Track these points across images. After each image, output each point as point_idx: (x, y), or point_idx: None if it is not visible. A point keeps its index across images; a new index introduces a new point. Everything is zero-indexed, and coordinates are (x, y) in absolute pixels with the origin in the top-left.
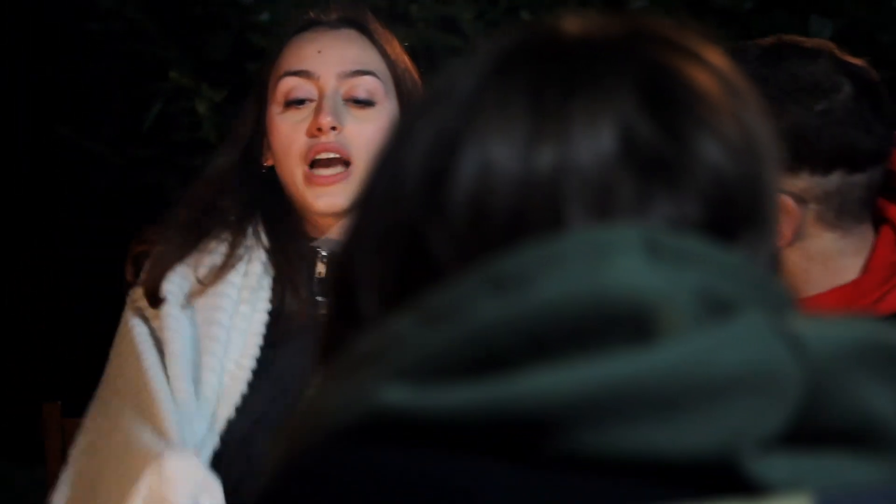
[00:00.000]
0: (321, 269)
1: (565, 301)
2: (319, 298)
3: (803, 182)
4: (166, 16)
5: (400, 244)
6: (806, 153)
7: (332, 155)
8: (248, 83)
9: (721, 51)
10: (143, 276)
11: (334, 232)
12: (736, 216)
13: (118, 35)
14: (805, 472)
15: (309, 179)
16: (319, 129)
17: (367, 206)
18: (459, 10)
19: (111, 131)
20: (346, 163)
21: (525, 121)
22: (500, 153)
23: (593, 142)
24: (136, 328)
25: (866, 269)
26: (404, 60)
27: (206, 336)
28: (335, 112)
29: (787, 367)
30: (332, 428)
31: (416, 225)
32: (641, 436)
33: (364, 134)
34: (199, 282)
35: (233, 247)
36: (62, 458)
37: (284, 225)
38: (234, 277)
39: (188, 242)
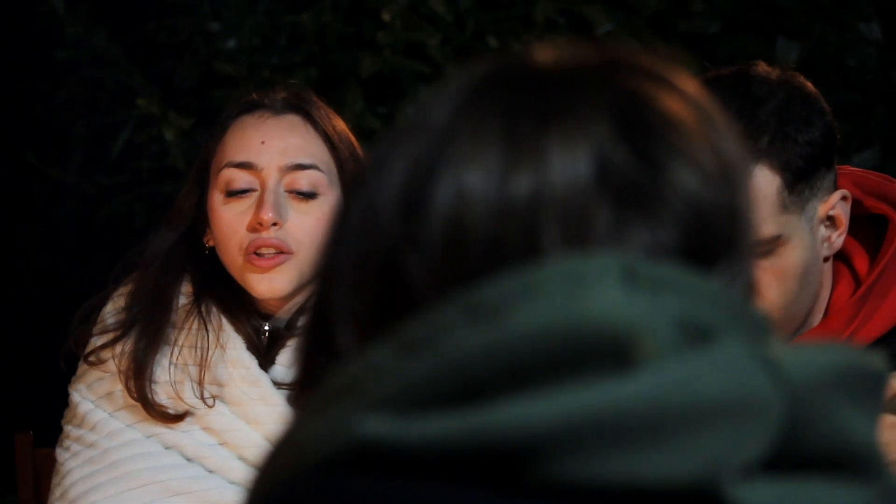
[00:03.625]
0: (264, 342)
1: (544, 330)
2: (264, 374)
3: None
4: (133, 44)
5: (376, 275)
6: None
7: (271, 251)
8: (215, 110)
9: (693, 77)
10: (128, 385)
11: (279, 311)
12: (712, 243)
13: (85, 63)
14: (786, 498)
15: (249, 262)
16: (260, 224)
17: (341, 237)
18: (426, 36)
19: (78, 159)
20: (286, 253)
21: (500, 149)
22: (475, 182)
23: (569, 169)
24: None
25: (829, 311)
26: (348, 141)
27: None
28: (276, 206)
29: (768, 394)
30: (312, 459)
31: (392, 255)
32: (622, 464)
33: (305, 227)
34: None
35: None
36: (34, 488)
37: (232, 301)
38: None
39: (153, 341)
